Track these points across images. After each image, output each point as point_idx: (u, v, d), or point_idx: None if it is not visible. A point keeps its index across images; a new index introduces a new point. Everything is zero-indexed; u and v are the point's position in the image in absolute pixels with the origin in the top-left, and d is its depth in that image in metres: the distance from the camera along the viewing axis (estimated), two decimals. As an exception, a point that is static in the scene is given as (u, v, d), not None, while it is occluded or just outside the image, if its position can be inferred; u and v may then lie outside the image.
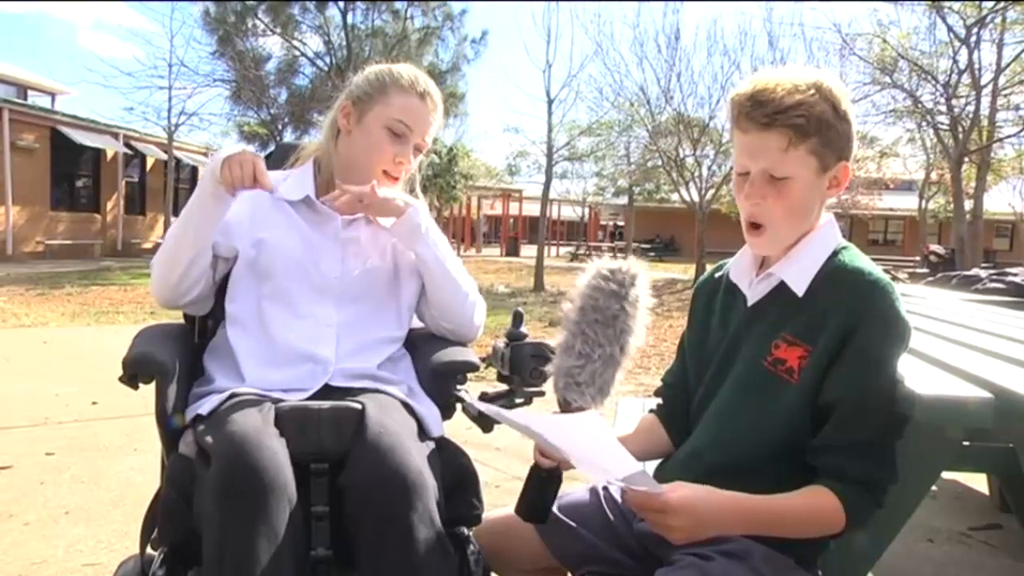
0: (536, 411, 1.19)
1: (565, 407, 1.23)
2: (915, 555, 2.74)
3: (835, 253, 1.21)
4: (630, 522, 1.35)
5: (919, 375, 1.29)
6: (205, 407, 1.42)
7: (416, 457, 1.32)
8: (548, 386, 1.56)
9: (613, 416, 2.50)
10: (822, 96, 1.15)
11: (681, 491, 1.08)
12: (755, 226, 1.22)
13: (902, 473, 1.15)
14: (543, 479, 1.25)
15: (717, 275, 1.39)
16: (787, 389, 1.18)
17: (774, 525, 1.13)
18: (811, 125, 1.14)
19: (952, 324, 2.36)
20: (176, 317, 1.83)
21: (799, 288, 1.20)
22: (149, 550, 1.42)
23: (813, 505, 1.12)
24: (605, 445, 1.06)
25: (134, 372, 1.42)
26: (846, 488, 1.12)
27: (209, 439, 1.30)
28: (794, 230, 1.22)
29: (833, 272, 1.19)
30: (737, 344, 1.28)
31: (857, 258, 1.21)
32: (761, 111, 1.15)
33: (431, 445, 1.43)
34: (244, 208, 1.60)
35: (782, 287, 1.22)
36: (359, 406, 1.39)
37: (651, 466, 1.43)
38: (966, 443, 2.09)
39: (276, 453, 1.26)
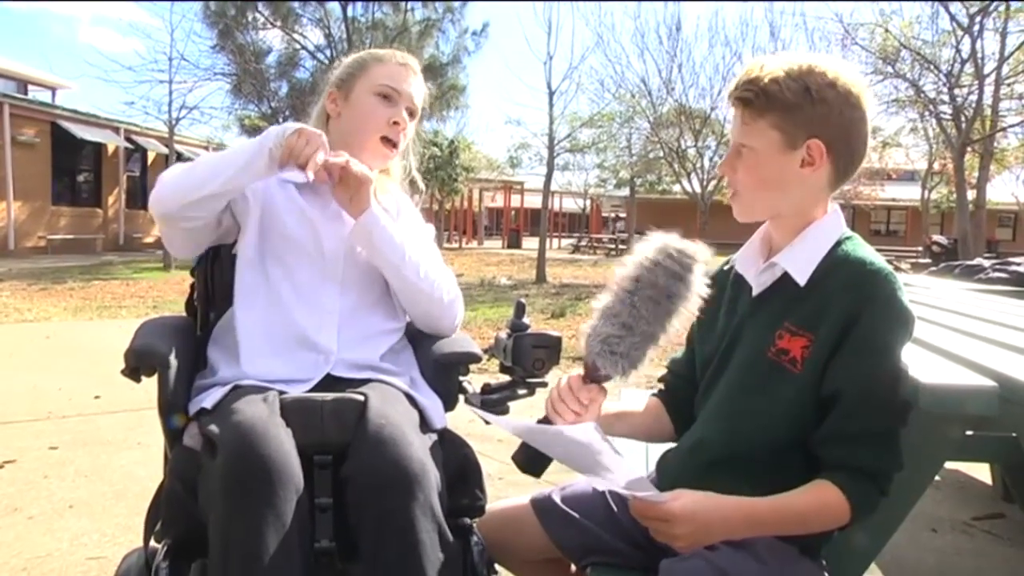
0: (534, 411, 1.18)
1: (592, 370, 1.22)
2: (918, 545, 2.74)
3: (838, 243, 1.21)
4: (633, 512, 1.35)
5: (923, 364, 1.29)
6: (209, 401, 1.42)
7: (418, 449, 1.32)
8: (551, 376, 1.56)
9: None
10: (794, 77, 1.17)
11: (684, 499, 1.08)
12: (733, 192, 1.27)
13: (907, 464, 1.15)
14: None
15: (726, 267, 1.39)
16: (790, 379, 1.18)
17: (780, 526, 1.13)
18: (760, 100, 1.18)
19: (956, 313, 2.36)
20: (178, 310, 1.83)
21: (802, 278, 1.20)
22: (153, 543, 1.43)
23: (819, 502, 1.12)
24: (603, 454, 1.05)
25: (136, 364, 1.42)
26: (851, 480, 1.12)
27: (216, 430, 1.30)
28: (765, 202, 1.25)
29: (835, 262, 1.19)
30: (741, 334, 1.28)
31: (860, 247, 1.21)
32: (733, 87, 1.24)
33: (433, 437, 1.43)
34: (257, 186, 1.60)
35: (786, 277, 1.22)
36: (362, 398, 1.39)
37: (655, 452, 1.43)
38: (969, 432, 2.09)
39: (283, 444, 1.26)
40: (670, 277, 1.16)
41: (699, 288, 1.18)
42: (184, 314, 1.79)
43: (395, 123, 1.65)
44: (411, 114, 1.70)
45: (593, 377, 1.24)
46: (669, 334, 1.20)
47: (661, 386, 1.48)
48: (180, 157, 21.45)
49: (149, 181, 22.00)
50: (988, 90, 14.52)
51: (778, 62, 1.20)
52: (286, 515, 1.22)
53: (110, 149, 20.54)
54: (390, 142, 1.66)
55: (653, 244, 1.19)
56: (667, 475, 1.33)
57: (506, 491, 3.03)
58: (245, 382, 1.45)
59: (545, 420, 1.25)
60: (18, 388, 4.85)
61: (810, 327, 1.17)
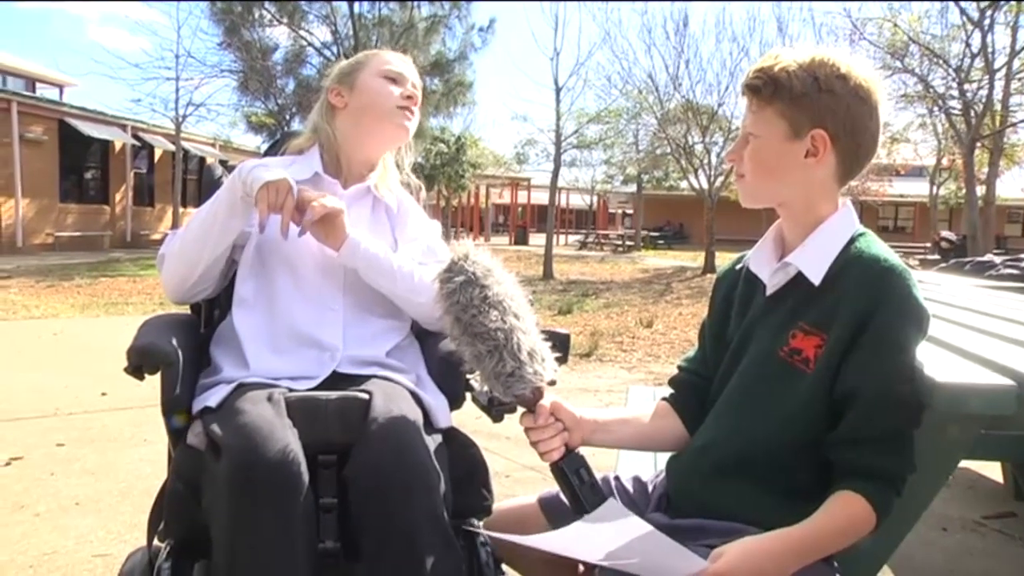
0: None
1: (527, 401, 1.20)
2: (928, 544, 2.72)
3: (852, 240, 1.20)
4: (642, 512, 1.33)
5: (937, 363, 1.27)
6: (213, 399, 1.40)
7: (421, 450, 1.30)
8: (557, 375, 1.54)
9: (623, 405, 2.48)
10: (804, 67, 1.17)
11: (726, 555, 1.05)
12: (738, 177, 1.27)
13: (921, 464, 1.13)
14: (562, 468, 1.21)
15: (738, 266, 1.37)
16: (802, 379, 1.16)
17: (822, 549, 1.11)
18: (769, 88, 1.18)
19: (968, 311, 2.33)
20: (183, 307, 1.82)
21: (815, 277, 1.18)
22: (156, 542, 1.41)
23: (849, 516, 1.10)
24: (651, 545, 1.05)
25: (138, 362, 1.40)
26: (872, 486, 1.10)
27: (220, 431, 1.28)
28: (768, 190, 1.24)
29: (849, 259, 1.17)
30: (753, 334, 1.26)
31: (873, 244, 1.19)
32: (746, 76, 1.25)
33: (438, 436, 1.41)
34: None
35: (800, 277, 1.20)
36: (366, 396, 1.37)
37: (663, 458, 1.41)
38: (983, 431, 2.06)
39: (289, 445, 1.25)
40: (465, 287, 1.17)
41: (490, 263, 1.20)
42: (188, 311, 1.78)
43: (408, 97, 1.68)
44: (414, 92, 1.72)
45: (528, 405, 1.22)
46: (525, 310, 1.20)
47: (670, 389, 1.45)
48: (187, 154, 21.55)
49: (156, 178, 22.13)
50: (998, 85, 14.41)
51: (793, 54, 1.19)
52: (291, 517, 1.20)
53: (117, 146, 20.59)
54: (406, 110, 1.68)
55: (435, 288, 1.21)
56: (677, 476, 1.31)
57: (514, 489, 3.02)
58: (250, 380, 1.43)
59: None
60: (25, 385, 4.86)
61: (824, 326, 1.15)
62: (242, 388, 1.39)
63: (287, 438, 1.25)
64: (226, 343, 1.56)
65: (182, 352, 1.46)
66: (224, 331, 1.59)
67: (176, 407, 1.45)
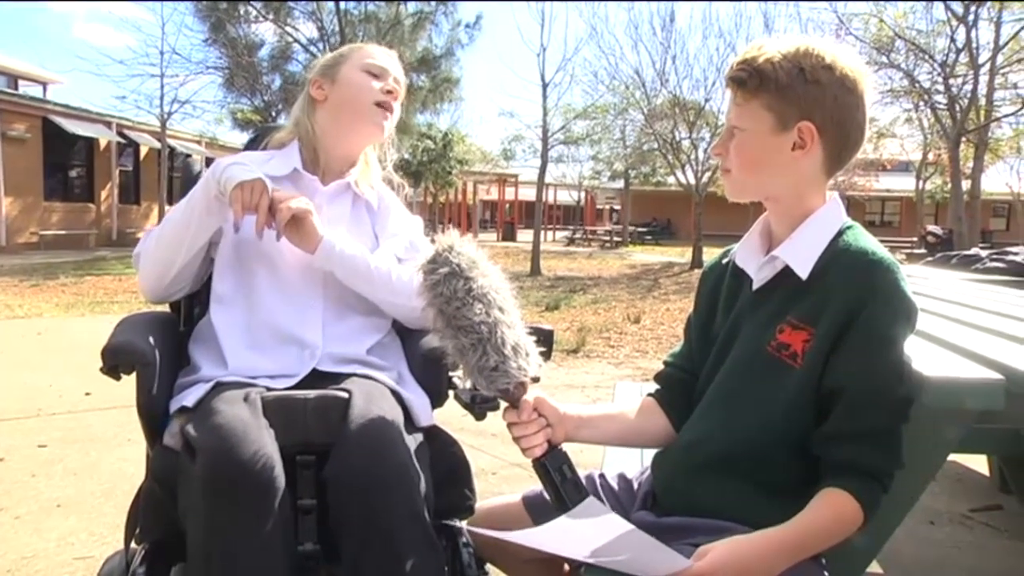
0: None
1: (510, 396, 1.19)
2: (916, 538, 2.72)
3: (839, 233, 1.18)
4: (628, 511, 1.32)
5: (926, 357, 1.25)
6: (190, 399, 1.38)
7: (402, 449, 1.28)
8: (544, 371, 1.52)
9: (611, 401, 2.46)
10: (789, 58, 1.14)
11: (711, 554, 1.04)
12: (724, 172, 1.25)
13: (909, 459, 1.11)
14: (545, 465, 1.20)
15: (724, 260, 1.36)
16: (791, 374, 1.14)
17: (810, 548, 1.09)
18: (754, 80, 1.16)
19: (956, 304, 2.32)
20: (162, 306, 1.79)
21: (803, 271, 1.16)
22: (134, 545, 1.39)
23: (836, 514, 1.09)
24: (634, 543, 1.05)
25: (114, 362, 1.37)
26: (860, 483, 1.08)
27: (195, 432, 1.26)
28: (755, 184, 1.22)
29: (837, 253, 1.15)
30: (739, 329, 1.24)
31: (861, 237, 1.17)
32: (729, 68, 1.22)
33: (419, 436, 1.39)
34: None
35: (787, 270, 1.19)
36: (345, 395, 1.35)
37: (649, 455, 1.39)
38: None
39: (264, 446, 1.22)
40: (450, 279, 1.15)
41: (475, 254, 1.18)
42: (167, 309, 1.75)
43: (388, 92, 1.65)
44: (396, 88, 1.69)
45: (511, 400, 1.21)
46: (509, 304, 1.19)
47: (656, 385, 1.44)
48: (172, 151, 21.41)
49: (142, 176, 21.98)
50: (983, 80, 14.51)
51: (777, 44, 1.17)
52: (268, 519, 1.18)
53: (102, 144, 20.44)
54: (385, 107, 1.65)
55: (417, 281, 1.19)
56: (663, 473, 1.29)
57: (500, 487, 3.00)
58: (228, 379, 1.41)
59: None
60: (8, 385, 4.81)
61: (812, 320, 1.13)
62: (219, 388, 1.37)
63: (262, 439, 1.22)
64: (204, 341, 1.53)
65: (159, 351, 1.43)
66: (202, 329, 1.56)
67: (153, 408, 1.42)
